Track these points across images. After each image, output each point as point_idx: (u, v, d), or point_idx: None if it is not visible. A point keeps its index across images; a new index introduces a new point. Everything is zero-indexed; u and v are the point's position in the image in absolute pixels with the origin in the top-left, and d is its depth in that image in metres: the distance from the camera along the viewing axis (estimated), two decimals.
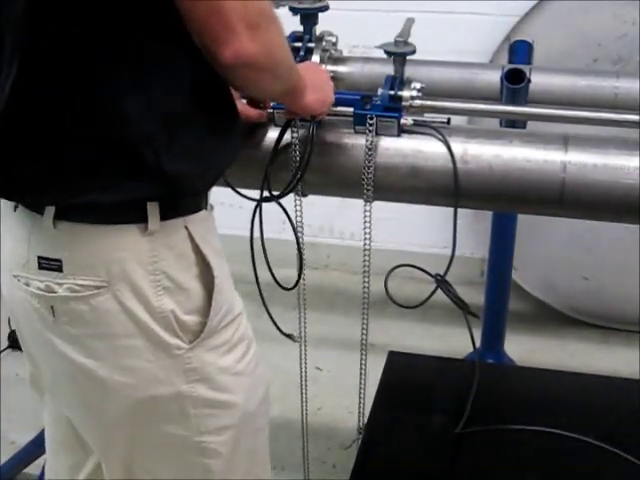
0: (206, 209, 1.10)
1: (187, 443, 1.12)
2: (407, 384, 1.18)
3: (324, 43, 1.61)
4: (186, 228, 1.05)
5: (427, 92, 1.39)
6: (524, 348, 2.65)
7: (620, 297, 2.81)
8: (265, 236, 1.40)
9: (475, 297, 2.25)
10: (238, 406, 1.13)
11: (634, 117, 1.42)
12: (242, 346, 1.15)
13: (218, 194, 1.19)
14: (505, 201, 1.33)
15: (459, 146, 1.31)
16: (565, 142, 1.30)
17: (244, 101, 1.25)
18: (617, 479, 1.04)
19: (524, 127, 1.79)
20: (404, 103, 1.36)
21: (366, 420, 1.22)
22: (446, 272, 1.54)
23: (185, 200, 1.05)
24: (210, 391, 1.10)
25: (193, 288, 1.07)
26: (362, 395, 1.26)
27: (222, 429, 1.13)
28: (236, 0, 0.89)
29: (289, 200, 1.38)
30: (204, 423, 1.11)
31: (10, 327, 1.65)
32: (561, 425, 1.04)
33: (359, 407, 1.26)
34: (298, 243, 1.39)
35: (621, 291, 2.79)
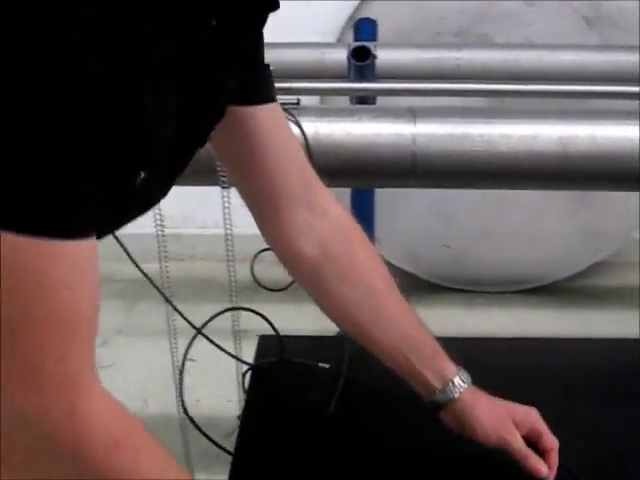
0: None
1: None
2: (280, 366, 1.18)
3: None
4: None
5: (277, 74, 1.39)
6: None
7: (480, 261, 2.92)
8: (129, 232, 1.37)
9: None
10: None
11: (476, 86, 1.48)
12: None
13: None
14: (360, 177, 1.36)
15: (310, 126, 1.32)
16: (413, 115, 1.33)
17: None
18: None
19: (374, 103, 1.83)
20: None
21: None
22: None
23: None
24: None
25: None
26: (239, 382, 1.26)
27: None
28: None
29: None
30: None
31: None
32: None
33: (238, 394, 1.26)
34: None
35: (481, 256, 2.90)
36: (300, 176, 0.94)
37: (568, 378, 1.24)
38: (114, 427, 0.63)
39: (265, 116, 0.89)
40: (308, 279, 0.99)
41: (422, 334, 0.98)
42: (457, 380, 0.97)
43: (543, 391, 1.20)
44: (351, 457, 1.07)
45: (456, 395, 0.96)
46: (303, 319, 2.70)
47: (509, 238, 2.86)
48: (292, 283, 1.64)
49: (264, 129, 0.89)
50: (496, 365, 1.27)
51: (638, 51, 1.93)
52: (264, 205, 0.95)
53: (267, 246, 1.37)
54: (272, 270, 1.74)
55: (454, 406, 0.97)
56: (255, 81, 0.87)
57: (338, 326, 1.02)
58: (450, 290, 2.97)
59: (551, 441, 0.95)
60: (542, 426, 0.96)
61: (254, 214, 0.97)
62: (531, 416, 0.97)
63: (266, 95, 0.89)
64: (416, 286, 2.94)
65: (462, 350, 1.33)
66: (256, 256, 1.44)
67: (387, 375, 1.16)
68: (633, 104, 1.63)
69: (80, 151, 0.57)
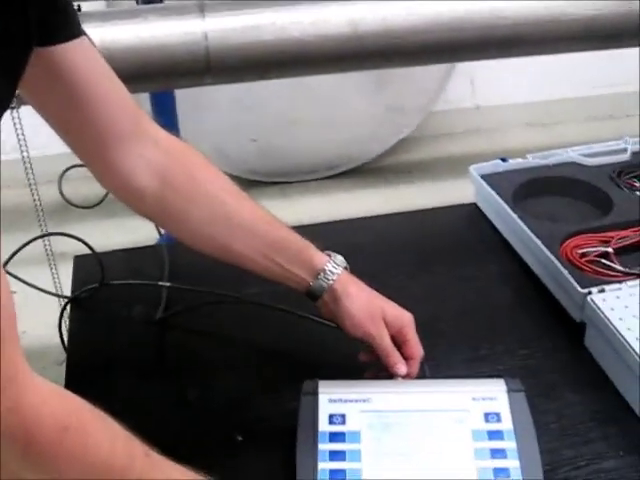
0: None
1: None
2: (101, 283, 1.15)
3: None
4: None
5: None
6: None
7: (290, 151, 2.94)
8: None
9: None
10: None
11: None
12: None
13: None
14: (154, 80, 1.32)
15: (95, 32, 1.25)
16: (201, 9, 1.30)
17: None
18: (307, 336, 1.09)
19: (161, 1, 1.76)
20: None
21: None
22: None
23: None
24: None
25: None
26: (62, 309, 1.23)
27: None
28: None
29: None
30: None
31: None
32: (261, 287, 1.07)
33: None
34: None
35: (290, 145, 2.92)
36: (123, 111, 0.90)
37: (384, 253, 1.29)
38: (59, 413, 0.63)
39: (74, 53, 0.83)
40: (155, 212, 0.96)
41: (283, 233, 0.97)
42: (329, 267, 0.96)
43: (361, 268, 1.24)
44: (182, 362, 1.07)
45: (331, 282, 0.96)
46: (122, 234, 2.66)
47: (315, 124, 2.89)
48: (104, 198, 1.60)
49: (76, 67, 0.83)
50: (319, 248, 1.30)
51: None
52: (93, 150, 0.91)
53: (73, 164, 1.32)
54: (82, 187, 1.68)
55: (329, 296, 0.96)
56: (57, 19, 0.80)
57: (199, 250, 0.98)
58: (262, 184, 2.97)
59: (416, 350, 0.96)
60: (411, 332, 0.96)
61: (87, 164, 0.93)
62: (403, 319, 0.97)
63: (71, 31, 0.83)
64: None
65: None
66: (62, 175, 1.38)
67: (210, 276, 1.16)
68: None
69: None
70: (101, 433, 0.66)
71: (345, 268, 0.99)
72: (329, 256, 0.98)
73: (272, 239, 0.96)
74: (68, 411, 0.64)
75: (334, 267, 0.96)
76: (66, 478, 0.64)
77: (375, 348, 0.95)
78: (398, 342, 0.96)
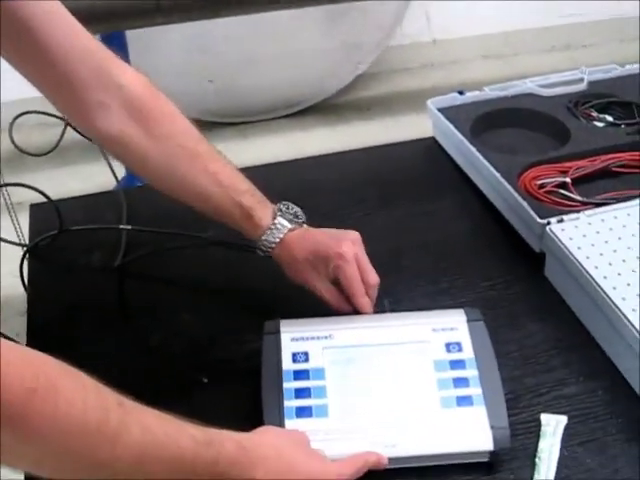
0: None
1: None
2: (60, 230, 1.13)
3: None
4: None
5: None
6: None
7: (247, 91, 2.90)
8: None
9: None
10: None
11: None
12: None
13: None
14: (104, 21, 1.29)
15: None
16: None
17: None
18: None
19: None
20: None
21: None
22: None
23: None
24: None
25: None
26: (22, 258, 1.21)
27: None
28: None
29: None
30: None
31: None
32: (220, 228, 1.07)
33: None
34: None
35: (246, 85, 2.88)
36: (85, 61, 0.91)
37: (344, 189, 1.29)
38: (26, 375, 0.61)
39: (36, 5, 0.85)
40: (120, 154, 0.99)
41: (243, 181, 0.98)
42: (279, 220, 0.97)
43: (322, 205, 1.24)
44: (144, 307, 1.07)
45: (282, 235, 0.97)
46: (78, 181, 2.62)
47: (271, 62, 2.85)
48: (57, 145, 1.57)
49: (40, 19, 0.86)
50: (277, 189, 1.30)
51: None
52: (64, 97, 0.94)
53: (22, 111, 1.29)
54: (34, 135, 1.65)
55: (281, 247, 0.97)
56: None
57: (159, 188, 0.99)
58: (221, 125, 2.94)
59: (372, 278, 0.96)
60: (362, 262, 0.96)
61: (67, 115, 1.00)
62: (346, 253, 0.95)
63: None
64: None
65: None
66: (12, 123, 1.35)
67: (169, 221, 1.15)
68: None
69: None
70: (71, 389, 0.65)
71: (297, 222, 0.99)
72: (282, 209, 0.99)
73: (234, 183, 0.97)
74: (35, 371, 0.63)
75: (288, 220, 0.98)
76: (42, 440, 0.63)
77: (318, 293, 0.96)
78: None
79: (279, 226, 0.97)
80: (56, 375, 0.65)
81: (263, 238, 0.97)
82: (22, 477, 0.82)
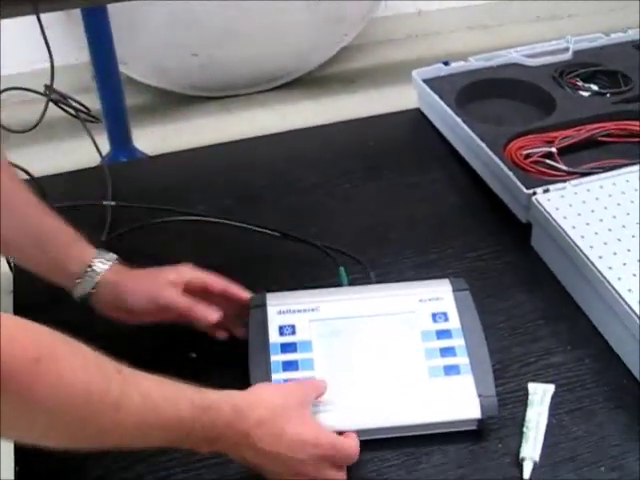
0: None
1: None
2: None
3: None
4: None
5: None
6: (155, 138, 2.66)
7: (231, 64, 2.88)
8: None
9: (96, 102, 2.19)
10: None
11: None
12: None
13: None
14: None
15: None
16: None
17: None
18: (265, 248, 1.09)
19: None
20: None
21: None
22: (52, 82, 1.46)
23: None
24: None
25: None
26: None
27: None
28: None
29: None
30: None
31: None
32: (206, 204, 1.06)
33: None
34: None
35: (231, 58, 2.85)
36: None
37: (329, 162, 1.28)
38: (29, 345, 0.62)
39: None
40: None
41: (56, 223, 0.93)
42: (97, 263, 0.92)
43: (308, 178, 1.23)
44: None
45: (99, 278, 0.92)
46: (61, 158, 2.60)
47: (255, 35, 2.82)
48: (40, 121, 1.55)
49: None
50: (263, 161, 1.29)
51: None
52: None
53: (4, 87, 1.27)
54: (18, 111, 1.63)
55: (102, 290, 0.92)
56: None
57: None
58: (206, 99, 2.92)
59: (217, 282, 0.94)
60: (201, 275, 0.94)
61: None
62: (183, 272, 0.93)
63: None
64: (170, 101, 2.87)
65: (230, 154, 1.34)
66: None
67: (154, 197, 1.15)
68: None
69: None
70: (72, 358, 0.66)
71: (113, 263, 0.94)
72: (98, 252, 0.94)
73: (45, 227, 0.92)
74: (37, 342, 0.63)
75: (103, 262, 0.93)
76: (48, 410, 0.63)
77: (176, 309, 0.92)
78: (199, 290, 0.93)
79: (100, 264, 0.92)
80: (57, 345, 0.65)
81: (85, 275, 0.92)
82: None
